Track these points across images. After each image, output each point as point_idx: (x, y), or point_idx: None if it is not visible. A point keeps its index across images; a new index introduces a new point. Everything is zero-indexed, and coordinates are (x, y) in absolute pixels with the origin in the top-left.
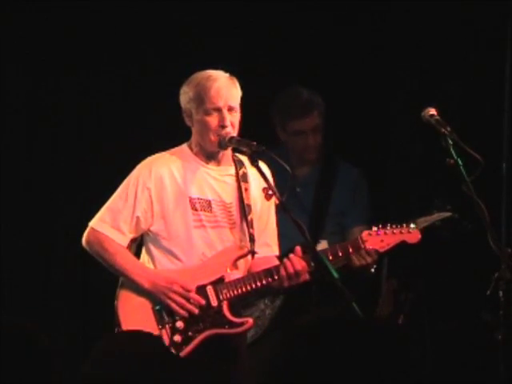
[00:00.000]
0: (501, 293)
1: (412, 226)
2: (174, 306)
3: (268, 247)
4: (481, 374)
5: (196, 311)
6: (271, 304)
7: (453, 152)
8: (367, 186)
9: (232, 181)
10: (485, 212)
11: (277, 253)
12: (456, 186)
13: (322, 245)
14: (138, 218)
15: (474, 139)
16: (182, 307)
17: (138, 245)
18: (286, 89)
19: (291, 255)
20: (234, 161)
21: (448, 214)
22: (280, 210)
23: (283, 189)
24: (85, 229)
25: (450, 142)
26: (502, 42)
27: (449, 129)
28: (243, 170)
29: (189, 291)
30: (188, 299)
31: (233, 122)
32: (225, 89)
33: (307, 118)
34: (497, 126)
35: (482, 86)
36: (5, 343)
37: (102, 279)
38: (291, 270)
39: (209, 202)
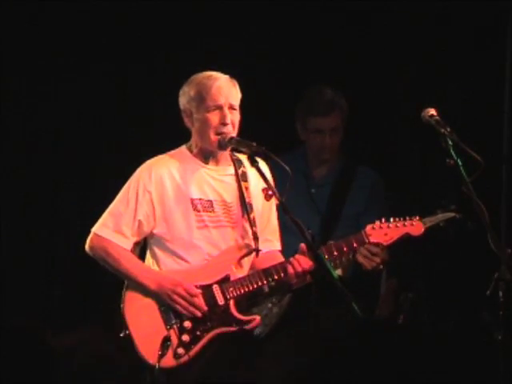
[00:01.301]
0: (501, 293)
1: (415, 218)
2: (178, 307)
3: (269, 242)
4: (481, 373)
5: (199, 314)
6: (278, 302)
7: (453, 152)
8: (383, 189)
9: (232, 180)
10: (485, 212)
11: (279, 248)
12: (456, 186)
13: None
14: (140, 221)
15: (474, 140)
16: (186, 309)
17: (141, 248)
18: (312, 87)
19: (297, 255)
20: (233, 160)
21: (452, 215)
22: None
23: (297, 188)
24: (86, 231)
25: (450, 142)
26: (502, 42)
27: (449, 129)
28: (242, 168)
29: (193, 296)
30: (192, 303)
31: (233, 121)
32: (226, 88)
33: (328, 117)
34: (497, 127)
35: (482, 87)
36: (11, 342)
37: (105, 281)
38: (299, 268)
39: (210, 203)
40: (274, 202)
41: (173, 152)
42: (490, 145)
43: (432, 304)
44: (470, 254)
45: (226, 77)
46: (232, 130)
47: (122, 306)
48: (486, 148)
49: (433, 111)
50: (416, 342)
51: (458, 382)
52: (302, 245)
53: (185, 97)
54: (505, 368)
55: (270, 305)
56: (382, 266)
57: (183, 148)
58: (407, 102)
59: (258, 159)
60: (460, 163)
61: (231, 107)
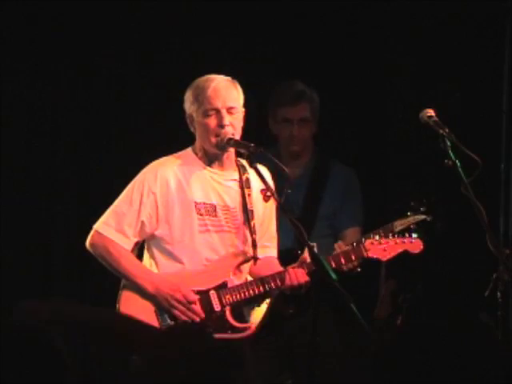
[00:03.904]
0: (499, 294)
1: (414, 235)
2: (175, 312)
3: (266, 248)
4: (481, 373)
5: (197, 320)
6: (258, 307)
7: (451, 153)
8: (359, 186)
9: (236, 186)
10: (483, 213)
11: (275, 255)
12: (454, 187)
13: None
14: (142, 222)
15: (473, 140)
16: (184, 315)
17: (139, 248)
18: (284, 81)
19: (296, 267)
20: (238, 166)
21: (422, 217)
22: (279, 211)
23: (281, 190)
24: (86, 229)
25: (449, 143)
26: (501, 42)
27: (447, 130)
28: (246, 175)
29: (190, 303)
30: (190, 309)
31: (233, 123)
32: (223, 89)
33: (296, 106)
34: (495, 127)
35: (481, 87)
36: (20, 343)
37: (103, 281)
38: (295, 281)
39: (214, 207)
40: (274, 209)
41: (179, 154)
42: (489, 145)
43: (430, 305)
44: (469, 255)
45: (224, 78)
46: (231, 131)
47: (117, 305)
48: (484, 148)
49: (431, 112)
50: (414, 343)
51: (458, 382)
52: (303, 256)
53: (187, 102)
54: (504, 368)
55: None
56: (359, 269)
57: (189, 150)
58: (405, 102)
59: (260, 165)
60: (458, 164)
61: (230, 109)
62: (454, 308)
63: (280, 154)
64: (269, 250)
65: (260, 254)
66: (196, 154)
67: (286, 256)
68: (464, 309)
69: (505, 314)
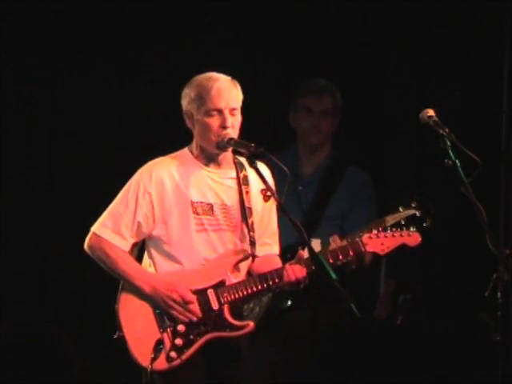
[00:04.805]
0: (499, 294)
1: (412, 229)
2: (172, 312)
3: (267, 246)
4: (480, 374)
5: (194, 319)
6: (259, 302)
7: (451, 153)
8: (373, 191)
9: (233, 184)
10: (483, 213)
11: (277, 252)
12: (454, 187)
13: (314, 243)
14: (139, 222)
15: (473, 140)
16: (181, 315)
17: (139, 248)
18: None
19: (293, 263)
20: (235, 163)
21: (412, 212)
22: (279, 210)
23: (283, 190)
24: (85, 231)
25: (449, 143)
26: (501, 42)
27: (447, 130)
28: (244, 172)
29: (187, 303)
30: (187, 309)
31: (233, 124)
32: (226, 90)
33: (318, 98)
34: (495, 127)
35: (481, 87)
36: (29, 345)
37: (102, 281)
38: (292, 277)
39: (210, 206)
40: (274, 206)
41: (175, 154)
42: (489, 145)
43: (430, 305)
44: (469, 255)
45: (227, 78)
46: (232, 133)
47: (116, 307)
48: (484, 148)
49: (431, 112)
50: (414, 343)
51: (458, 382)
52: (300, 252)
53: (186, 99)
54: (503, 368)
55: (251, 305)
56: (354, 267)
57: (185, 150)
58: (405, 102)
59: (259, 162)
60: (458, 164)
61: (232, 110)
62: (454, 308)
63: (297, 153)
64: (270, 247)
65: (261, 251)
66: (192, 154)
67: (288, 253)
68: (464, 309)
69: (505, 314)
